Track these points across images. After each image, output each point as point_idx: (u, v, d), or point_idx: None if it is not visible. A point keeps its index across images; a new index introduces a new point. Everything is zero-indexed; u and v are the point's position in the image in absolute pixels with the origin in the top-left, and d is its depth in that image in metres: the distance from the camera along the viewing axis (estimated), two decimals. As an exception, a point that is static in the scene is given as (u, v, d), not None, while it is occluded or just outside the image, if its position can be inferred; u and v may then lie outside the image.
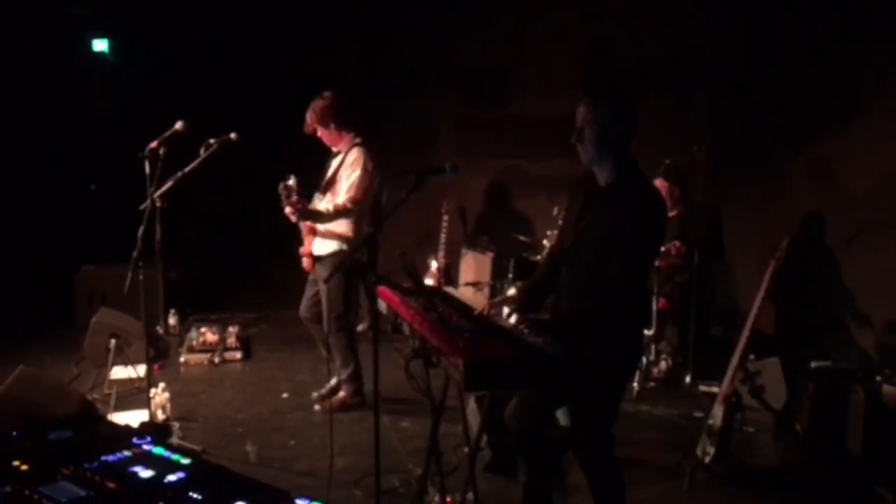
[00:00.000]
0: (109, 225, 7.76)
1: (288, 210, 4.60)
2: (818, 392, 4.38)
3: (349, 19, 8.35)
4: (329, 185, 4.81)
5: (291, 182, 4.51)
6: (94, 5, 7.63)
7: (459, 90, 7.87)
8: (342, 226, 4.75)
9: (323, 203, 4.78)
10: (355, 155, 4.73)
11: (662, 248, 5.24)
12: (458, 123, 7.96)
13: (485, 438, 3.84)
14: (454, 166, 3.20)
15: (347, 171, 4.73)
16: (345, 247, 4.74)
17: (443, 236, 7.07)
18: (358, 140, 4.82)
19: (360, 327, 6.67)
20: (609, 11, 6.86)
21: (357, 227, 4.78)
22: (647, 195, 2.91)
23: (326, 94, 4.78)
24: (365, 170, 4.70)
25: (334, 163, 4.84)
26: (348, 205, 4.67)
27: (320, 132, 4.81)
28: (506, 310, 3.13)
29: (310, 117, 4.78)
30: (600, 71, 6.88)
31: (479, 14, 7.56)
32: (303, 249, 4.86)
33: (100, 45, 7.67)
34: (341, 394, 5.03)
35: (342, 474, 3.98)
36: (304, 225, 4.80)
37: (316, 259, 4.83)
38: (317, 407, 4.99)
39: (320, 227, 4.76)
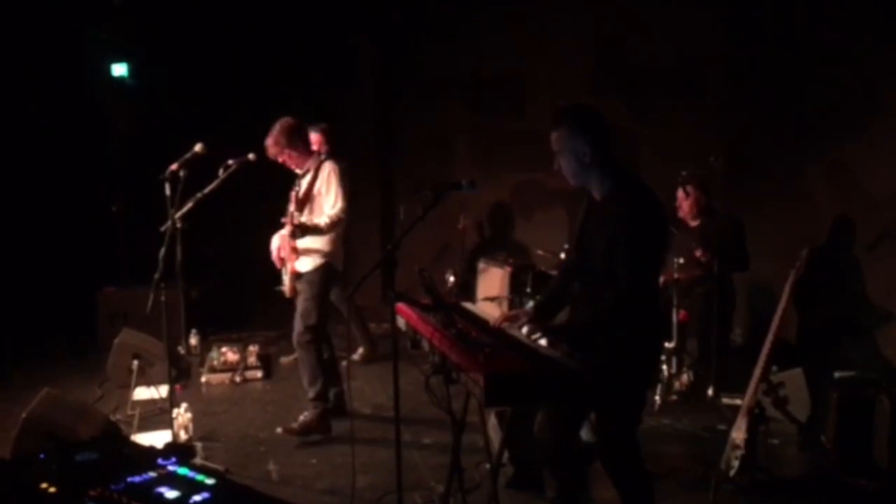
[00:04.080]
0: (131, 246, 7.83)
1: (287, 231, 4.70)
2: (843, 402, 4.32)
3: (362, 34, 8.42)
4: (306, 202, 4.82)
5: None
6: (113, 30, 7.75)
7: (473, 102, 7.90)
8: (323, 240, 4.80)
9: (304, 218, 4.79)
10: (328, 167, 4.81)
11: (683, 260, 5.23)
12: (474, 136, 7.99)
13: (507, 454, 3.82)
14: (471, 182, 3.23)
15: (325, 184, 4.78)
16: (327, 259, 4.79)
17: (460, 251, 7.07)
18: (323, 156, 4.91)
19: (355, 357, 6.58)
20: (623, 21, 6.88)
21: (339, 239, 4.86)
22: (641, 197, 2.93)
23: (286, 118, 4.82)
24: (341, 180, 4.79)
25: (305, 181, 4.84)
26: (341, 214, 4.76)
27: (285, 156, 4.81)
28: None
29: (275, 141, 4.75)
30: (614, 80, 6.89)
31: (492, 26, 7.61)
32: (291, 270, 4.81)
33: (119, 69, 7.78)
34: (304, 416, 4.78)
35: (364, 492, 3.98)
36: (286, 246, 4.78)
37: (298, 276, 4.84)
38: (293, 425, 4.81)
39: (301, 244, 4.79)
